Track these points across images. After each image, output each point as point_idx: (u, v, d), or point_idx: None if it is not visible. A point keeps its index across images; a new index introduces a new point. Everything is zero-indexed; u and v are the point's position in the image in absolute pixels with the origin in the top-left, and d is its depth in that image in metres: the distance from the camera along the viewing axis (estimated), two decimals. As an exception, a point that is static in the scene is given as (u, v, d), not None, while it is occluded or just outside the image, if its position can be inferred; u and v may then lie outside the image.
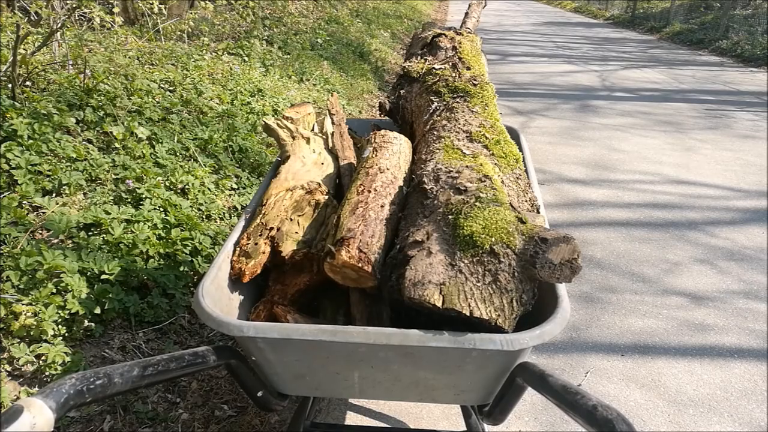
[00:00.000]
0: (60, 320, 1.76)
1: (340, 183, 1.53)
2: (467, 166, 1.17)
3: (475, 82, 1.58)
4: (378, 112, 1.88)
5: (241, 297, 1.21)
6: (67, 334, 1.78)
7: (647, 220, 3.46)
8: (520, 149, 1.50)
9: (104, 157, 2.54)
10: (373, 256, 1.03)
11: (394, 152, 1.34)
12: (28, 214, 2.06)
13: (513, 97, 6.59)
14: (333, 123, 1.70)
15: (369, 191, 1.20)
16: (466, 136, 1.34)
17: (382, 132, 1.41)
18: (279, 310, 1.14)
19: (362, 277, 1.04)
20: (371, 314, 1.09)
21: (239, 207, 2.76)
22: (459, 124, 1.39)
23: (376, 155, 1.32)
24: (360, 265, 1.01)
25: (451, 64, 1.69)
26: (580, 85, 7.50)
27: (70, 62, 3.15)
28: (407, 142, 1.43)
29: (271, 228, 1.21)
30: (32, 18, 3.09)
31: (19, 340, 1.69)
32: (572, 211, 3.60)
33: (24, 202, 2.12)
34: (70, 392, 0.63)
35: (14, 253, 1.81)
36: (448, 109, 1.48)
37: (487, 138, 1.34)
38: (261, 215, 1.28)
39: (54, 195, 2.25)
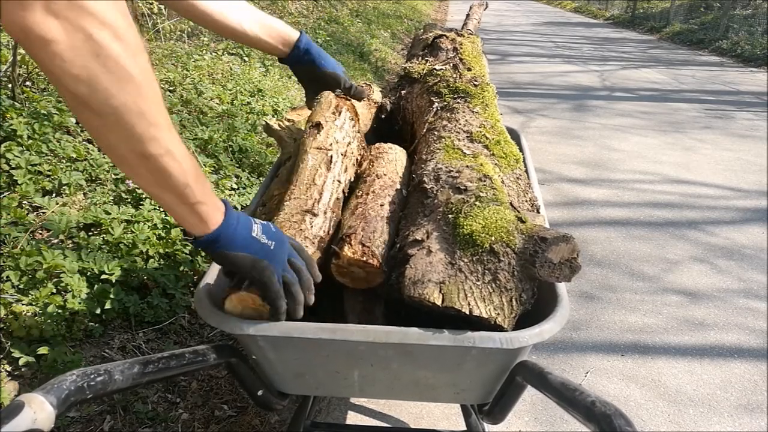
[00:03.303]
0: (60, 320, 1.76)
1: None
2: (467, 166, 1.17)
3: (475, 82, 1.58)
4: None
5: (242, 296, 1.22)
6: (67, 334, 1.78)
7: (647, 220, 3.47)
8: (521, 150, 1.50)
9: (104, 157, 2.54)
10: (377, 249, 1.03)
11: (390, 160, 1.37)
12: (28, 214, 2.07)
13: (513, 97, 6.60)
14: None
15: (367, 194, 1.21)
16: (467, 137, 1.35)
17: (377, 145, 1.44)
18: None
19: (370, 273, 1.04)
20: (364, 310, 1.09)
21: (239, 207, 2.76)
22: (459, 124, 1.40)
23: (372, 166, 1.34)
24: (365, 259, 1.02)
25: (452, 65, 1.69)
26: (580, 85, 7.51)
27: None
28: (402, 151, 1.45)
29: (272, 219, 1.22)
30: (32, 18, 3.08)
31: (19, 340, 1.69)
32: (572, 210, 3.61)
33: (24, 202, 2.12)
34: (71, 388, 0.64)
35: (14, 253, 1.81)
36: (448, 110, 1.48)
37: (487, 138, 1.34)
38: (262, 215, 1.28)
39: (54, 195, 2.25)
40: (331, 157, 1.22)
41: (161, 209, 2.33)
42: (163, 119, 0.68)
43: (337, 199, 1.19)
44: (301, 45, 1.29)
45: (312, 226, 1.08)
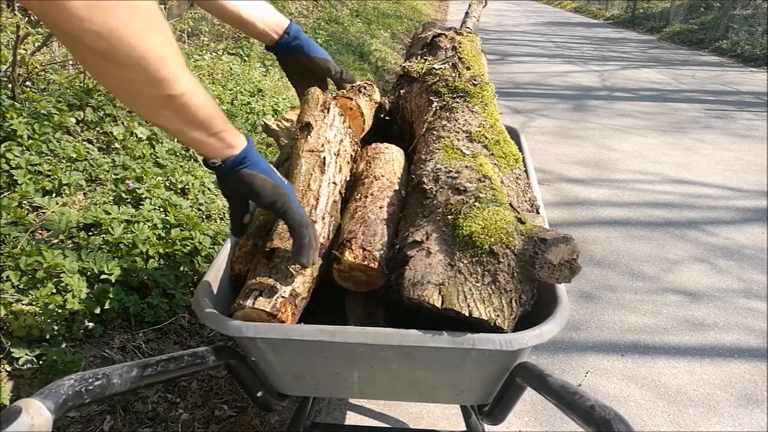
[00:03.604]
0: (60, 320, 1.76)
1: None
2: (467, 166, 1.17)
3: (474, 82, 1.57)
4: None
5: (241, 297, 1.21)
6: (67, 334, 1.78)
7: (647, 220, 3.47)
8: (520, 149, 1.50)
9: (104, 157, 2.54)
10: (378, 253, 1.03)
11: (387, 161, 1.35)
12: (28, 214, 2.06)
13: (513, 97, 6.59)
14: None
15: (366, 196, 1.20)
16: (466, 136, 1.34)
17: (373, 145, 1.42)
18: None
19: (372, 276, 1.04)
20: (365, 313, 1.09)
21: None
22: (459, 124, 1.39)
23: (369, 167, 1.32)
24: (366, 263, 1.02)
25: (451, 64, 1.68)
26: (580, 85, 7.51)
27: (71, 62, 3.15)
28: (399, 150, 1.44)
29: (271, 229, 1.21)
30: (32, 18, 3.09)
31: (19, 340, 1.69)
32: (572, 210, 3.60)
33: (24, 202, 2.12)
34: (69, 393, 0.63)
35: (14, 253, 1.81)
36: (447, 109, 1.48)
37: (486, 138, 1.34)
38: (261, 216, 1.28)
39: (54, 195, 2.25)
40: (324, 158, 1.20)
41: (161, 209, 2.33)
42: (181, 59, 0.70)
43: (335, 202, 1.18)
44: (291, 31, 1.26)
45: None
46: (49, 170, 2.26)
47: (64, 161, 2.38)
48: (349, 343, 0.89)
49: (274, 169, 0.90)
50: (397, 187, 1.26)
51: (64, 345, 1.73)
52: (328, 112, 1.27)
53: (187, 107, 0.73)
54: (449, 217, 1.01)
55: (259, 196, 0.88)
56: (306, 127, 1.24)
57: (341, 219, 1.18)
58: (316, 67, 1.32)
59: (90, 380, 0.67)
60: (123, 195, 2.37)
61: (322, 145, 1.22)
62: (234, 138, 0.83)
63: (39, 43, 3.07)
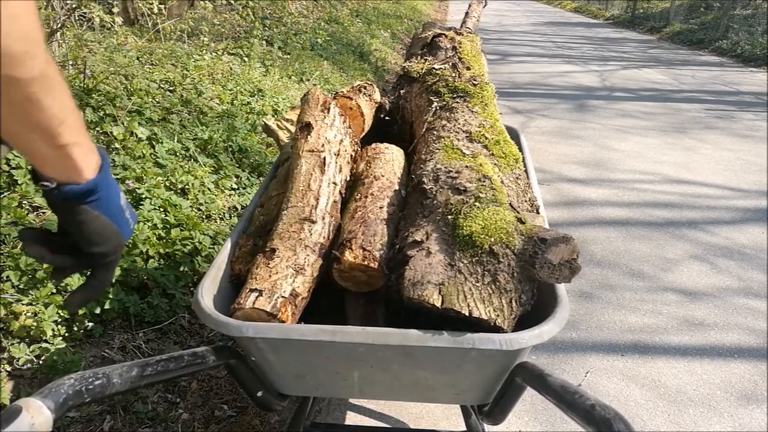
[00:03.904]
0: (60, 320, 1.76)
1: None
2: (467, 166, 1.17)
3: (474, 82, 1.58)
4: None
5: (241, 297, 1.21)
6: (67, 334, 1.78)
7: (647, 219, 3.46)
8: (520, 149, 1.50)
9: (104, 157, 2.53)
10: (378, 253, 1.03)
11: (387, 161, 1.36)
12: (28, 214, 2.06)
13: (513, 97, 6.59)
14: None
15: (366, 197, 1.21)
16: (466, 136, 1.34)
17: (373, 145, 1.43)
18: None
19: (372, 276, 1.04)
20: (365, 313, 1.09)
21: (239, 207, 2.76)
22: (459, 124, 1.39)
23: (369, 167, 1.33)
24: (366, 263, 1.02)
25: (451, 64, 1.69)
26: (580, 85, 7.51)
27: (70, 62, 3.15)
28: (399, 150, 1.44)
29: (271, 229, 1.21)
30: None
31: (19, 340, 1.69)
32: (572, 210, 3.60)
33: (24, 202, 2.12)
34: (69, 392, 0.63)
35: (14, 253, 1.81)
36: (447, 109, 1.48)
37: (486, 138, 1.34)
38: (261, 216, 1.28)
39: (54, 195, 2.24)
40: (324, 158, 1.21)
41: (161, 209, 2.33)
42: (37, 27, 0.49)
43: (335, 202, 1.19)
44: None
45: (311, 234, 1.08)
46: (49, 170, 2.26)
47: (64, 161, 2.37)
48: (349, 343, 0.89)
49: (123, 207, 0.67)
50: (397, 187, 1.26)
51: (64, 345, 1.73)
52: (328, 112, 1.28)
53: (29, 102, 0.50)
54: (449, 217, 1.01)
55: (88, 242, 0.64)
56: (306, 127, 1.24)
57: (341, 219, 1.18)
58: None
59: (90, 379, 0.67)
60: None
61: (323, 145, 1.22)
62: (85, 159, 0.58)
63: (39, 43, 3.06)
